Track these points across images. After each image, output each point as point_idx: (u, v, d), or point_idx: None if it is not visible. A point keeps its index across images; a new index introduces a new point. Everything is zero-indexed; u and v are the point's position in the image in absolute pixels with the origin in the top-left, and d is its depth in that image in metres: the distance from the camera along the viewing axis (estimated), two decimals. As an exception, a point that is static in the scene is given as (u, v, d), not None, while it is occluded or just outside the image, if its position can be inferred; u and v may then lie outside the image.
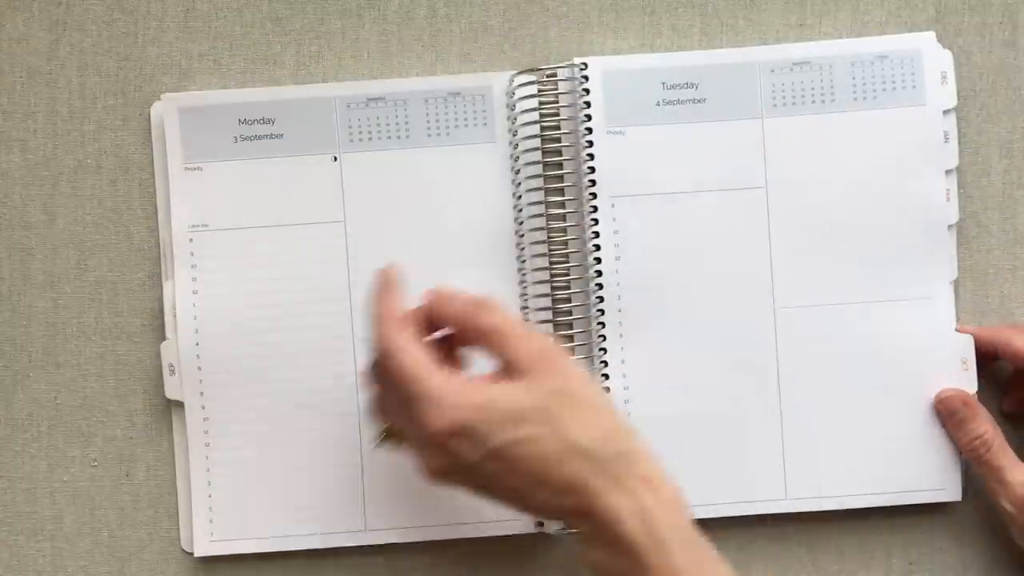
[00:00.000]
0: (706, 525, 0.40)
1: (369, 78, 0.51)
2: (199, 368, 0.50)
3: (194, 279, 0.50)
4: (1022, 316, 0.51)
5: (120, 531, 0.50)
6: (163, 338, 0.50)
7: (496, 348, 0.41)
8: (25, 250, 0.51)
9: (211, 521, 0.50)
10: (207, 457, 0.50)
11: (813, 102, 0.50)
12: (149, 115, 0.51)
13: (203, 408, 0.50)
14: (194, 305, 0.50)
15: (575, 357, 0.49)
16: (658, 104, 0.50)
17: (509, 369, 0.40)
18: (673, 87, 0.50)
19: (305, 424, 0.50)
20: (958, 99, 0.50)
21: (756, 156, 0.50)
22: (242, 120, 0.50)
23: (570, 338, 0.49)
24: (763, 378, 0.50)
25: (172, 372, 0.50)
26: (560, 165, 0.50)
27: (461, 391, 0.39)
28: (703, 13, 0.51)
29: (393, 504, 0.50)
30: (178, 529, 0.50)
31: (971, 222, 0.51)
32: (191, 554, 0.50)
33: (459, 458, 0.39)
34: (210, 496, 0.50)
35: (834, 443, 0.50)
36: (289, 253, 0.50)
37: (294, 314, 0.50)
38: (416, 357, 0.40)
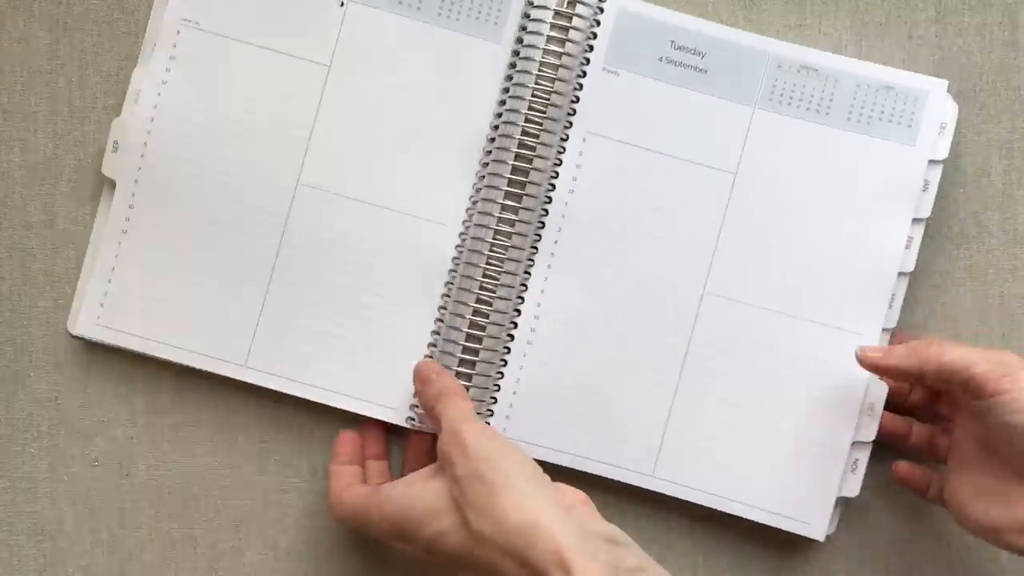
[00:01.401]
0: (564, 474, 0.45)
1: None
2: (142, 156, 0.49)
3: (168, 70, 0.49)
4: (1022, 316, 0.51)
5: (120, 531, 0.50)
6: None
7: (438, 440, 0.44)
8: (25, 250, 0.51)
9: (102, 305, 0.49)
10: (119, 244, 0.49)
11: (808, 109, 0.49)
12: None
13: (132, 195, 0.49)
14: (158, 95, 0.49)
15: (499, 277, 0.49)
16: (660, 60, 0.49)
17: (439, 461, 0.43)
18: (680, 48, 0.49)
19: (223, 243, 0.49)
20: (958, 105, 0.49)
21: (736, 141, 0.49)
22: None
23: (502, 254, 0.49)
24: (670, 355, 0.49)
25: (115, 149, 0.49)
26: (551, 88, 0.49)
27: (385, 500, 0.43)
28: (703, 12, 0.51)
29: (282, 351, 0.49)
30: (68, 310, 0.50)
31: (971, 222, 0.51)
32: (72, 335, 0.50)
33: (408, 554, 0.43)
34: (109, 282, 0.49)
35: (718, 440, 0.49)
36: (264, 77, 0.49)
37: (250, 140, 0.49)
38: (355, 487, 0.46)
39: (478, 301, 0.48)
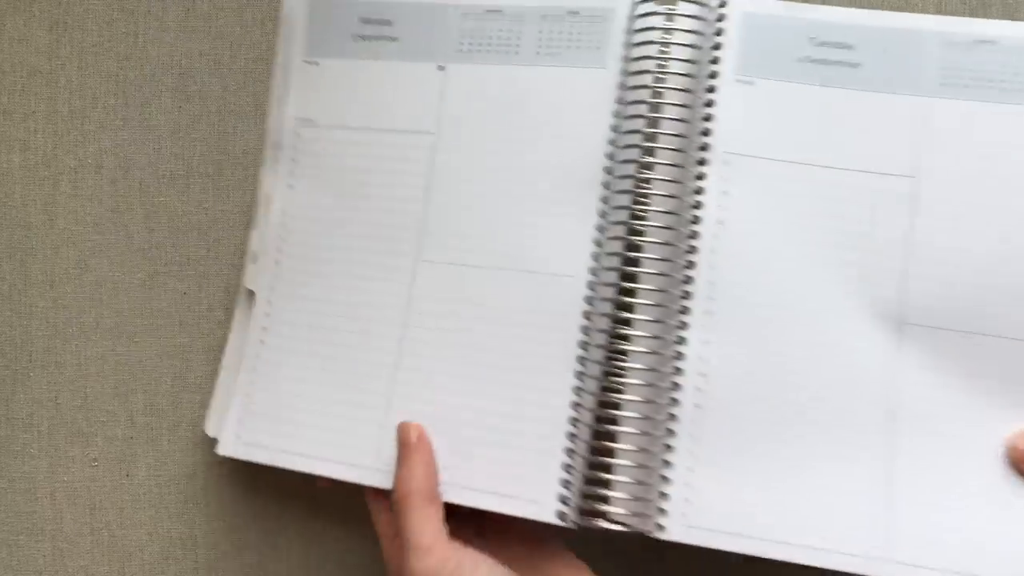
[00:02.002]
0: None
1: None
2: (276, 264, 0.48)
3: (291, 172, 0.48)
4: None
5: (120, 531, 0.50)
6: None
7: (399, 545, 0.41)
8: (25, 250, 0.51)
9: (241, 421, 0.47)
10: (258, 356, 0.47)
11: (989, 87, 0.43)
12: (150, 114, 0.51)
13: (269, 303, 0.48)
14: (286, 199, 0.48)
15: (642, 347, 0.42)
16: (801, 60, 0.44)
17: None
18: (823, 44, 0.44)
19: (349, 339, 0.46)
20: None
21: (911, 139, 0.43)
22: (363, 19, 0.48)
23: (642, 307, 0.42)
24: (868, 412, 0.41)
25: (254, 260, 0.48)
26: (674, 106, 0.44)
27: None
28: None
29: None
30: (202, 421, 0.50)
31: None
32: (214, 444, 0.47)
33: None
34: (248, 395, 0.47)
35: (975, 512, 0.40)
36: (375, 158, 0.47)
37: (367, 225, 0.47)
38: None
39: (612, 364, 0.42)
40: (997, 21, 0.44)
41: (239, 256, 0.51)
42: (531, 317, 0.44)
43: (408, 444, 0.43)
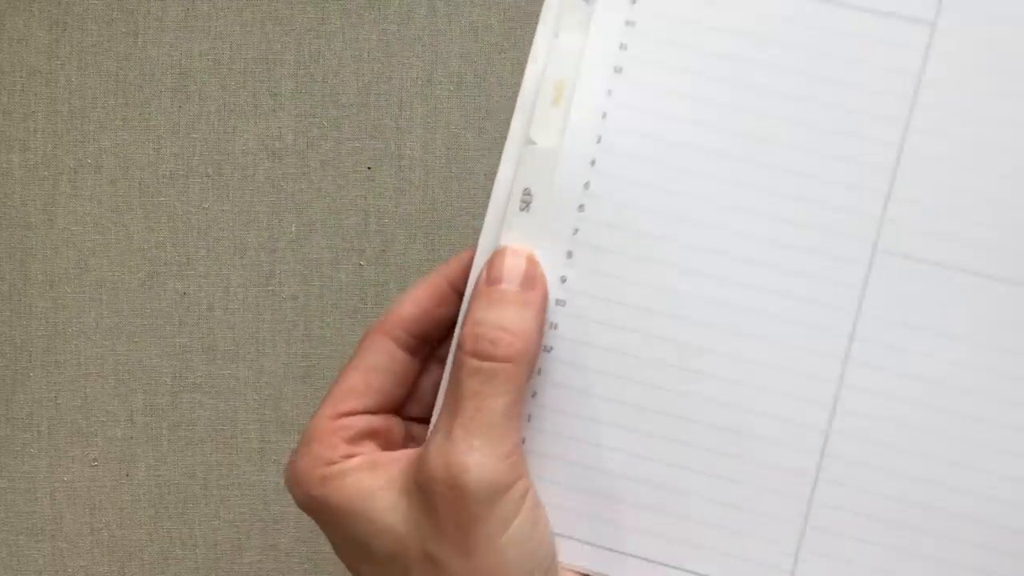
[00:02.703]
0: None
1: (369, 77, 0.51)
2: (581, 207, 0.30)
3: (623, 46, 0.29)
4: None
5: (120, 531, 0.50)
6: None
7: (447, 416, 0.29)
8: (25, 250, 0.51)
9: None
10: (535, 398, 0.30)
11: None
12: (149, 113, 0.51)
13: (568, 293, 0.30)
14: (612, 82, 0.30)
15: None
16: None
17: (415, 478, 0.30)
18: None
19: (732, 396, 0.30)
20: None
21: None
22: None
23: None
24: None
25: (526, 204, 0.30)
26: None
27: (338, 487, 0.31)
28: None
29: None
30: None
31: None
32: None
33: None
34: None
35: None
36: (794, 47, 0.29)
37: (772, 165, 0.29)
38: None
39: None
40: None
41: (239, 256, 0.51)
42: None
43: (532, 276, 0.30)
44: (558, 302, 0.30)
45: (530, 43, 0.51)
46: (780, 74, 0.29)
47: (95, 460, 0.51)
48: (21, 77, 0.51)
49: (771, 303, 0.30)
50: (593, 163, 0.30)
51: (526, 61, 0.51)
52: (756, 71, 0.29)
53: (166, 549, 0.51)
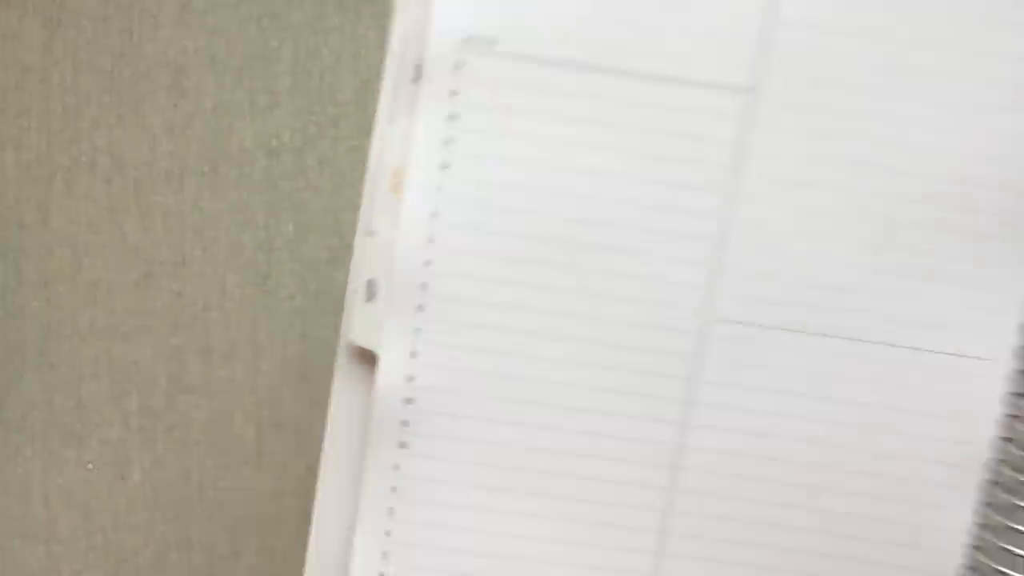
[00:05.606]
0: None
1: (367, 74, 0.50)
2: (420, 308, 0.30)
3: (450, 122, 0.29)
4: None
5: (115, 534, 0.50)
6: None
7: None
8: (18, 249, 0.51)
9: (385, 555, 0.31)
10: (397, 465, 0.31)
11: None
12: (144, 111, 0.51)
13: (411, 374, 0.30)
14: (440, 181, 0.29)
15: None
16: None
17: None
18: None
19: (579, 447, 0.31)
20: None
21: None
22: None
23: None
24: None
25: (372, 294, 0.30)
26: None
27: None
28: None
29: None
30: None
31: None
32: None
33: None
34: (389, 535, 0.31)
35: None
36: (633, 120, 0.29)
37: (607, 245, 0.29)
38: None
39: None
40: None
41: (235, 256, 0.50)
42: (932, 410, 0.30)
43: None
44: (407, 400, 0.31)
45: (530, 39, 0.51)
46: (604, 155, 0.29)
47: (90, 463, 0.50)
48: (14, 74, 0.51)
49: (605, 379, 0.30)
50: (428, 263, 0.30)
51: (526, 58, 0.51)
52: (581, 155, 0.29)
53: (162, 552, 0.50)
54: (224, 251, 0.51)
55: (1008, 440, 0.31)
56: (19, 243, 0.51)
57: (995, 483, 0.31)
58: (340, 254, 0.51)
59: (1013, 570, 0.31)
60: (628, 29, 0.28)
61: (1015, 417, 0.31)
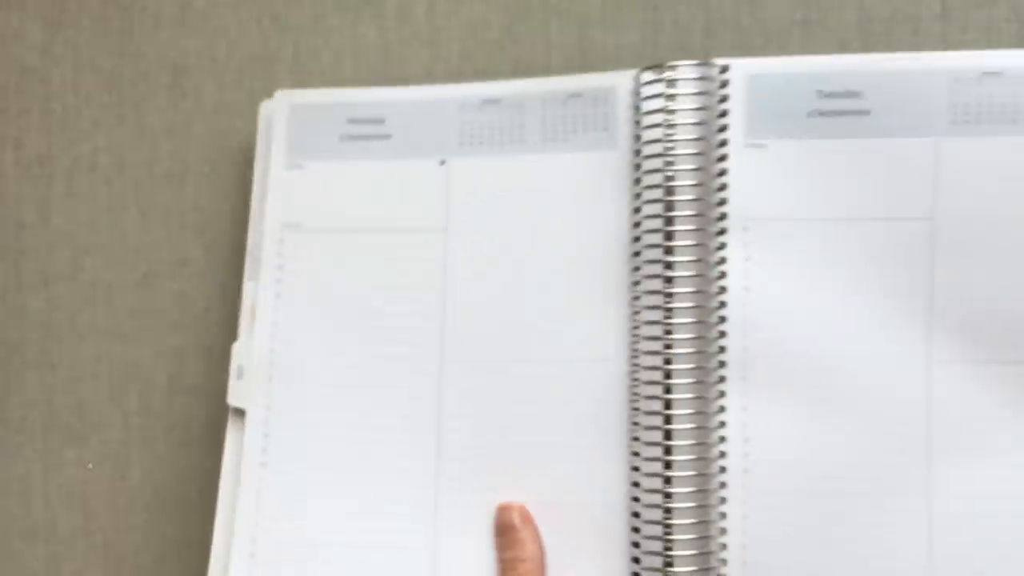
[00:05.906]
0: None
1: (368, 74, 0.50)
2: (270, 379, 0.46)
3: (279, 280, 0.46)
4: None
5: (115, 534, 0.50)
6: (229, 337, 0.49)
7: None
8: (19, 250, 0.50)
9: (253, 556, 0.45)
10: (260, 479, 0.45)
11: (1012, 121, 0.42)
12: (145, 111, 0.50)
13: (266, 422, 0.45)
14: (275, 309, 0.46)
15: (684, 411, 0.42)
16: (809, 115, 0.43)
17: None
18: (830, 96, 0.43)
19: (375, 459, 0.45)
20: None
21: (924, 182, 0.42)
22: (351, 119, 0.47)
23: (684, 385, 0.42)
24: (909, 447, 0.42)
25: (240, 375, 0.46)
26: (688, 178, 0.43)
27: None
28: (706, 8, 0.50)
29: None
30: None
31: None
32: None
33: None
34: (256, 525, 0.45)
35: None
36: (382, 261, 0.46)
37: (380, 327, 0.45)
38: None
39: (666, 438, 0.42)
40: (1002, 51, 0.45)
41: (236, 256, 0.50)
42: (576, 405, 0.43)
43: (512, 526, 0.42)
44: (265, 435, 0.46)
45: (531, 41, 0.51)
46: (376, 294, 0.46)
47: (90, 463, 0.50)
48: (15, 74, 0.51)
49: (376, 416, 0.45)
50: (268, 405, 0.46)
51: (526, 59, 0.51)
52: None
53: (161, 552, 0.50)
54: (224, 251, 0.51)
55: None
56: (19, 243, 0.51)
57: None
58: (340, 254, 0.50)
59: None
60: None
61: None
